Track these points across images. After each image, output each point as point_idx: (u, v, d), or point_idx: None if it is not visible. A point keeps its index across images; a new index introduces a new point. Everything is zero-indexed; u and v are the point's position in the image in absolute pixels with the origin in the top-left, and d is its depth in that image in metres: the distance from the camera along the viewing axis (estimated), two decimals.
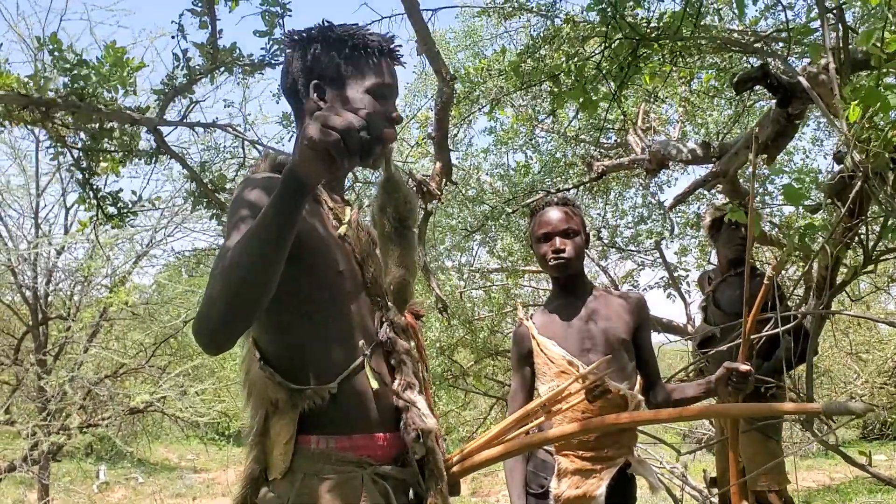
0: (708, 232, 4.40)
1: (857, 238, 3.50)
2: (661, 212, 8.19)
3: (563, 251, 2.88)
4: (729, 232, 4.21)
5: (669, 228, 8.21)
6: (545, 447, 2.90)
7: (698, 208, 7.98)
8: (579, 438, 2.80)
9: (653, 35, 3.65)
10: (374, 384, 1.74)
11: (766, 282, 2.65)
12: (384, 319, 1.84)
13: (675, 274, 7.88)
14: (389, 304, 1.87)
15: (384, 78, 1.87)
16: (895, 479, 3.57)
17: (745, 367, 2.64)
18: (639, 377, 2.97)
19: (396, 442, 1.78)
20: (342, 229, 1.80)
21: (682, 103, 6.77)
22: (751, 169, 3.07)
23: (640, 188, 8.44)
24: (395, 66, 1.93)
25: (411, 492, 1.82)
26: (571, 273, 2.95)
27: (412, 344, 1.88)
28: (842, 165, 3.91)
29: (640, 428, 3.49)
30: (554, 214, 2.93)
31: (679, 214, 8.21)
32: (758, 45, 3.56)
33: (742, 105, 6.63)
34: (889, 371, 12.87)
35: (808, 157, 8.68)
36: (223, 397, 13.43)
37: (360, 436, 1.73)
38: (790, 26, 3.57)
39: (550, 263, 2.91)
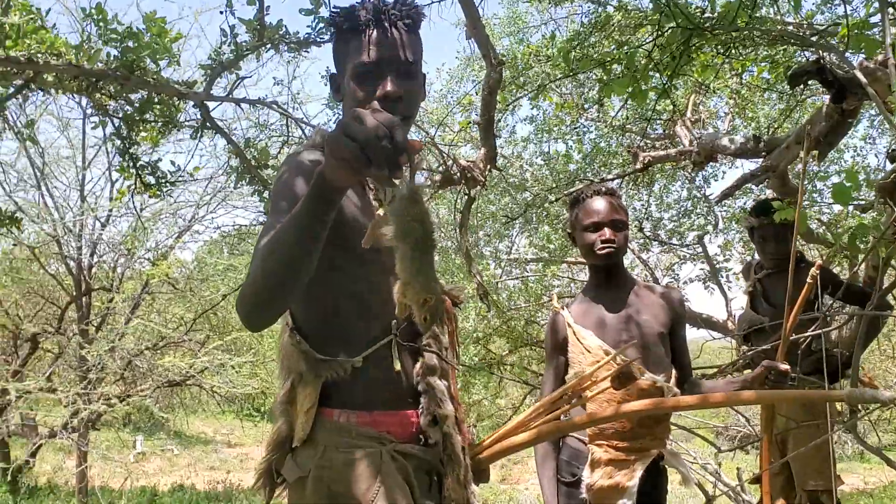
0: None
1: None
2: (706, 205, 8.08)
3: (614, 241, 2.84)
4: (762, 244, 4.12)
5: (714, 223, 8.10)
6: (578, 436, 2.88)
7: (744, 203, 7.87)
8: (615, 429, 2.78)
9: (706, 25, 3.57)
10: (397, 365, 1.75)
11: (809, 280, 2.60)
12: None
13: (718, 268, 7.78)
14: None
15: (362, 55, 1.80)
16: None
17: (784, 367, 2.61)
18: (674, 372, 2.93)
19: (419, 422, 1.79)
20: (383, 209, 1.80)
21: (733, 96, 6.66)
22: (801, 165, 3.00)
23: (686, 181, 8.34)
24: (392, 33, 1.83)
25: (435, 474, 1.81)
26: (614, 264, 2.91)
27: (444, 328, 1.87)
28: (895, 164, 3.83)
29: (675, 423, 3.45)
30: (602, 204, 2.88)
31: (724, 208, 8.11)
32: (814, 38, 3.48)
33: (794, 100, 6.50)
34: None
35: (859, 154, 8.52)
36: (259, 373, 13.58)
37: (381, 412, 1.74)
38: (848, 21, 3.48)
39: (599, 252, 2.86)
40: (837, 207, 6.08)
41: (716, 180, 9.07)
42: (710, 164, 5.24)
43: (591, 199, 2.92)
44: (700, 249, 8.02)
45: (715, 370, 4.30)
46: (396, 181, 1.37)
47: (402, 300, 1.53)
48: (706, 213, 8.14)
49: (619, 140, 7.66)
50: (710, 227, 8.10)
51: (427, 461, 1.77)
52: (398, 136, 1.27)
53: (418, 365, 1.79)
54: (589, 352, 2.85)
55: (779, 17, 4.56)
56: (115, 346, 9.86)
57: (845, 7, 3.66)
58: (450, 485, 1.77)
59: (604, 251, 2.85)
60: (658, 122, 6.62)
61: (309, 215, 1.39)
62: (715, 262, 7.81)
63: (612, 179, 6.29)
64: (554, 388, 2.96)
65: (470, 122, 6.13)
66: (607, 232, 2.84)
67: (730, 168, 8.46)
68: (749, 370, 4.05)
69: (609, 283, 2.95)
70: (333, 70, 1.97)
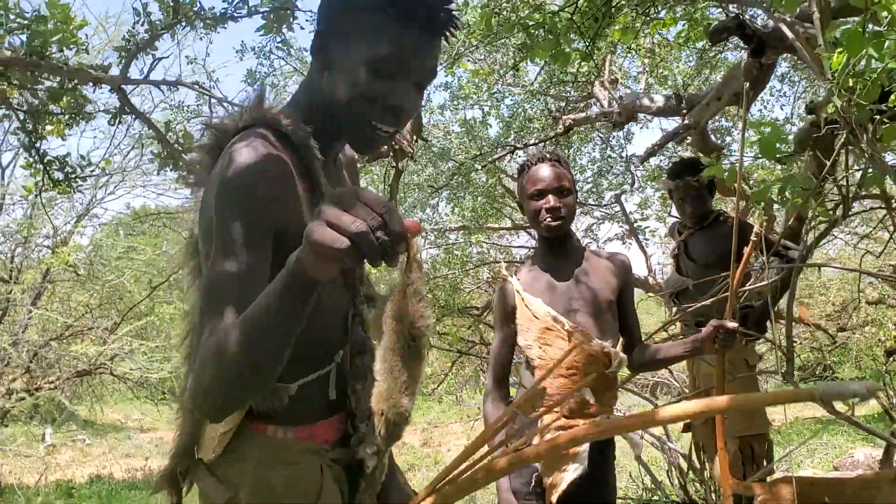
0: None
1: (825, 190, 3.51)
2: (623, 165, 8.18)
3: (559, 209, 2.81)
4: (681, 205, 4.23)
5: (631, 181, 8.21)
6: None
7: (660, 161, 7.98)
8: (563, 394, 2.79)
9: None
10: (333, 395, 1.61)
11: (753, 238, 2.64)
12: (356, 315, 1.67)
13: (636, 225, 7.91)
14: (363, 294, 1.69)
15: (399, 50, 1.46)
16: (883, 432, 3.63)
17: (732, 325, 2.63)
18: (621, 338, 2.94)
19: (344, 420, 1.67)
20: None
21: (647, 55, 6.71)
22: (724, 120, 3.03)
23: (601, 142, 8.41)
24: (433, 39, 1.50)
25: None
26: (562, 232, 2.88)
27: None
28: (812, 116, 3.93)
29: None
30: (547, 171, 2.84)
31: (641, 167, 8.22)
32: None
33: (707, 57, 6.60)
34: (831, 314, 13.24)
35: (765, 107, 8.73)
36: (171, 357, 13.26)
37: (316, 424, 1.61)
38: None
39: (544, 223, 2.83)
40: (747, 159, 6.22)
41: (629, 141, 9.11)
42: (629, 123, 5.30)
43: (536, 166, 2.87)
44: (618, 208, 8.13)
45: (657, 332, 4.38)
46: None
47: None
48: (623, 172, 8.23)
49: (534, 105, 7.63)
50: (627, 187, 8.20)
51: (348, 459, 1.66)
52: (394, 224, 1.09)
53: (358, 384, 1.65)
54: (537, 318, 2.83)
55: None
56: (19, 338, 9.49)
57: None
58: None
59: (550, 221, 2.82)
60: (571, 84, 6.62)
61: (286, 315, 1.22)
62: (633, 220, 7.92)
63: (535, 144, 6.29)
64: (504, 354, 2.94)
65: None
66: (552, 199, 2.80)
67: (643, 128, 8.62)
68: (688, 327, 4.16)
69: (557, 250, 2.92)
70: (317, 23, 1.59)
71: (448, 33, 1.53)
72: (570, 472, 2.76)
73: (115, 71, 3.51)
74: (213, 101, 4.27)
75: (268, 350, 1.25)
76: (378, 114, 1.50)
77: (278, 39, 4.78)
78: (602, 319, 2.84)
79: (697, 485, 6.28)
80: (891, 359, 12.04)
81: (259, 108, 1.55)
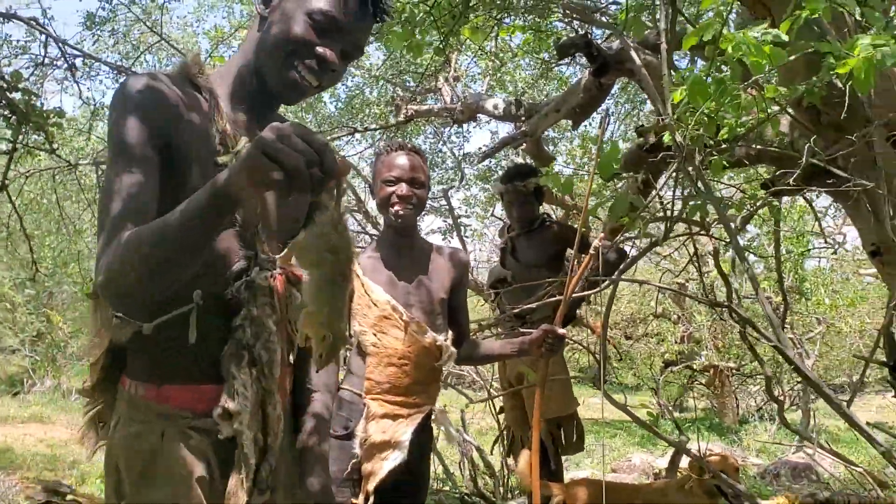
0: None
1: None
2: (455, 161, 8.29)
3: (411, 198, 2.82)
4: (509, 208, 4.41)
5: (460, 178, 8.34)
6: (353, 389, 2.87)
7: (490, 163, 8.14)
8: (391, 384, 2.82)
9: None
10: (192, 338, 1.53)
11: (591, 251, 2.77)
12: (243, 274, 1.59)
13: (459, 222, 8.05)
14: (261, 255, 1.62)
15: (335, 10, 1.56)
16: (673, 439, 3.88)
17: (561, 331, 2.75)
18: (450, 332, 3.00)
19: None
20: (225, 158, 1.55)
21: (492, 59, 6.82)
22: (555, 132, 3.16)
23: (433, 136, 8.49)
24: (367, 17, 1.61)
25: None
26: (409, 223, 2.89)
27: (271, 312, 1.63)
28: (641, 139, 4.17)
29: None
30: (404, 160, 2.84)
31: (474, 167, 8.36)
32: (595, 14, 3.66)
33: (546, 69, 6.80)
34: (619, 323, 14.06)
35: (591, 124, 9.11)
36: None
37: (173, 386, 1.55)
38: (627, 3, 3.68)
39: (392, 209, 2.83)
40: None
41: (464, 139, 9.25)
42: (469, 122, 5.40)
43: (395, 153, 2.87)
44: (444, 202, 8.24)
45: (481, 329, 4.50)
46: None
47: (304, 329, 1.41)
48: (454, 168, 8.34)
49: (374, 90, 7.60)
50: (455, 183, 8.32)
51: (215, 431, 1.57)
52: (328, 161, 1.18)
53: (227, 347, 1.57)
54: (376, 305, 2.84)
55: None
56: None
57: None
58: (231, 487, 1.56)
59: (398, 209, 2.82)
60: (413, 75, 6.64)
61: (203, 227, 1.29)
62: (457, 216, 8.05)
63: (376, 129, 6.27)
64: None
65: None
66: (404, 187, 2.80)
67: (475, 127, 8.77)
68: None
69: (402, 241, 2.93)
70: None
71: (379, 19, 1.65)
72: (391, 461, 2.78)
73: None
74: (47, 39, 3.95)
75: (173, 258, 1.32)
76: (302, 56, 1.58)
77: None
78: (436, 314, 2.90)
79: (487, 478, 6.49)
80: (668, 369, 12.96)
81: (185, 62, 1.65)
